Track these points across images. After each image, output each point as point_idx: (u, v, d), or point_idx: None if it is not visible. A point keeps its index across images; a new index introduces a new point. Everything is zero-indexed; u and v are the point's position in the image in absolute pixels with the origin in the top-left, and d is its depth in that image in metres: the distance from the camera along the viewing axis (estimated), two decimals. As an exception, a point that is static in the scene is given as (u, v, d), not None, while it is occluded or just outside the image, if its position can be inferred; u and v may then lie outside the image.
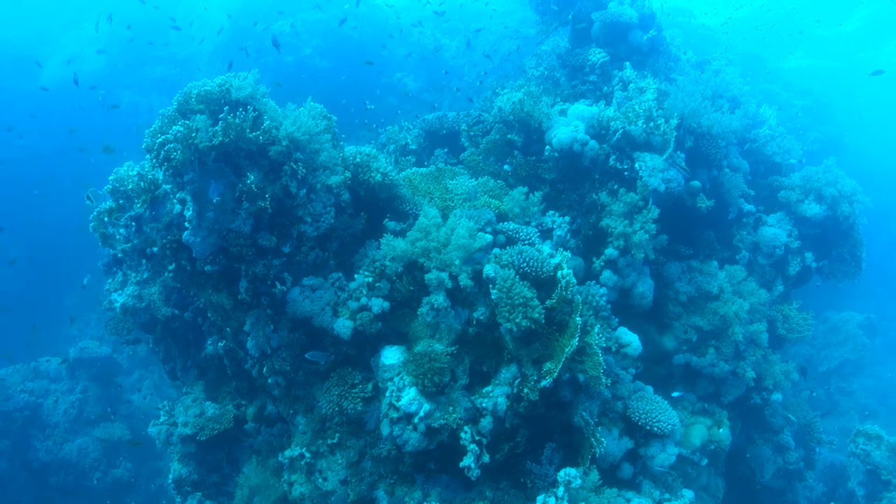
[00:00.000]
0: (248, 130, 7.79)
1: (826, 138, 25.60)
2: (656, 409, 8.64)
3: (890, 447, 13.36)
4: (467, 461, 7.62)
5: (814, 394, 21.20)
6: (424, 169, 10.55)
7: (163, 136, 7.62)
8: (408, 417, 7.80)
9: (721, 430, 10.37)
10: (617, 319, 9.13)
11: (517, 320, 7.46)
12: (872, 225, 25.74)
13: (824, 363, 21.81)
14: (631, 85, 10.86)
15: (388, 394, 7.99)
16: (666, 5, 28.73)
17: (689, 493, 8.97)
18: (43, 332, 22.19)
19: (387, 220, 9.03)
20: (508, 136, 10.73)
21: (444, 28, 25.49)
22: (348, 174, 8.61)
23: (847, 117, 31.00)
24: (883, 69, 25.06)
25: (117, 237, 9.13)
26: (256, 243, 8.16)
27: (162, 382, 19.80)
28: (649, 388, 9.13)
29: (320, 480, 8.76)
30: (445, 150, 12.03)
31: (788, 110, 25.47)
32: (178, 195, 7.95)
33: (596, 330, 7.92)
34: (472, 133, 11.40)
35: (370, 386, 8.41)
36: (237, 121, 7.69)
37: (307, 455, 8.89)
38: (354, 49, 23.03)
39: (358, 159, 8.85)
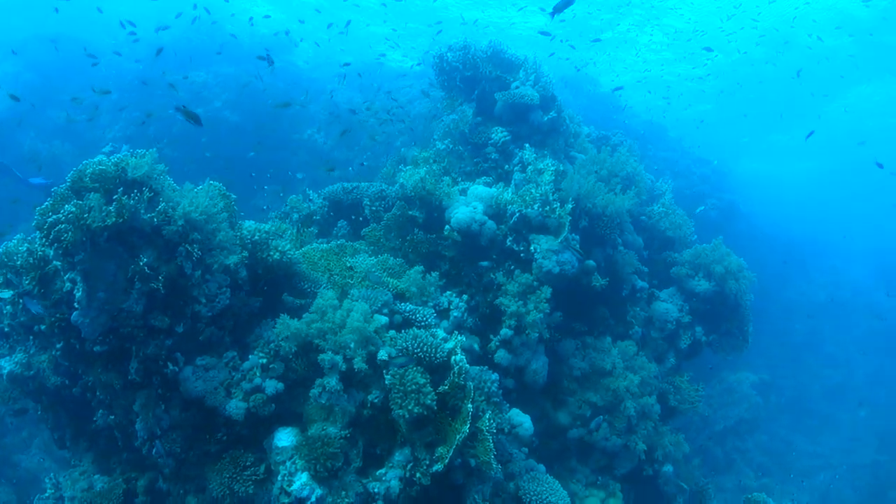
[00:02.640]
0: (142, 211, 7.75)
1: (723, 205, 26.74)
2: (547, 489, 8.80)
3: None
4: (358, 546, 7.61)
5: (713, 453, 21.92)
6: (325, 245, 10.62)
7: (54, 216, 7.50)
8: (299, 502, 7.74)
9: (613, 501, 10.62)
10: (508, 404, 9.30)
11: (409, 407, 7.55)
12: (767, 288, 27.03)
13: (721, 422, 22.50)
14: (530, 167, 11.22)
15: (279, 478, 7.91)
16: (578, 75, 29.94)
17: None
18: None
19: (285, 295, 9.04)
20: (410, 212, 10.91)
21: (356, 85, 25.73)
22: (245, 253, 8.60)
23: (741, 184, 32.54)
24: (814, 130, 26.53)
25: (4, 312, 8.88)
26: (148, 324, 8.03)
27: (52, 442, 18.98)
28: (541, 467, 9.30)
29: (210, 565, 8.57)
30: (349, 220, 12.11)
31: (688, 177, 26.60)
32: (68, 275, 7.81)
33: (487, 416, 8.05)
34: (374, 207, 11.54)
35: (262, 468, 8.29)
36: (132, 202, 7.63)
37: (198, 537, 8.69)
38: (265, 104, 23.00)
39: (256, 237, 8.86)
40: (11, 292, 8.46)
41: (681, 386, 12.34)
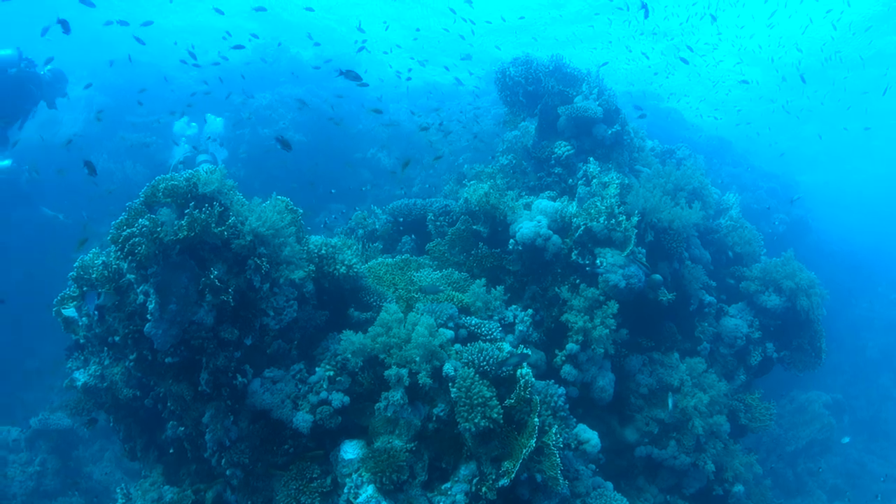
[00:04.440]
0: (213, 225, 7.89)
1: (791, 220, 26.14)
2: (614, 507, 8.66)
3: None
4: (424, 560, 7.58)
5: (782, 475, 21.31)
6: (390, 259, 10.68)
7: (128, 230, 7.69)
8: (365, 515, 7.76)
9: (683, 522, 10.40)
10: (575, 419, 9.17)
11: (476, 420, 7.50)
12: (839, 304, 26.28)
13: (792, 443, 21.86)
14: (594, 180, 11.12)
15: (345, 490, 7.94)
16: (634, 90, 29.74)
17: (648, 592, 8.96)
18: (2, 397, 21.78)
19: (351, 309, 9.12)
20: (474, 227, 10.92)
21: (419, 105, 26.01)
22: (312, 267, 8.71)
23: (812, 199, 31.77)
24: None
25: (80, 324, 9.14)
26: (218, 336, 8.17)
27: (123, 454, 19.40)
28: (609, 485, 9.14)
29: (278, 574, 8.62)
30: (412, 237, 12.18)
31: (755, 192, 26.09)
32: (141, 287, 7.99)
33: (554, 430, 7.96)
34: (438, 223, 11.58)
35: (329, 480, 8.34)
36: (203, 216, 7.79)
37: (265, 547, 8.76)
38: (330, 124, 23.40)
39: (323, 251, 8.96)
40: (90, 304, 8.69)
41: (752, 404, 12.03)
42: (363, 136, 24.34)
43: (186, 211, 7.82)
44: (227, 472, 8.84)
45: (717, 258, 13.16)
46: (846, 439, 22.01)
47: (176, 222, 7.77)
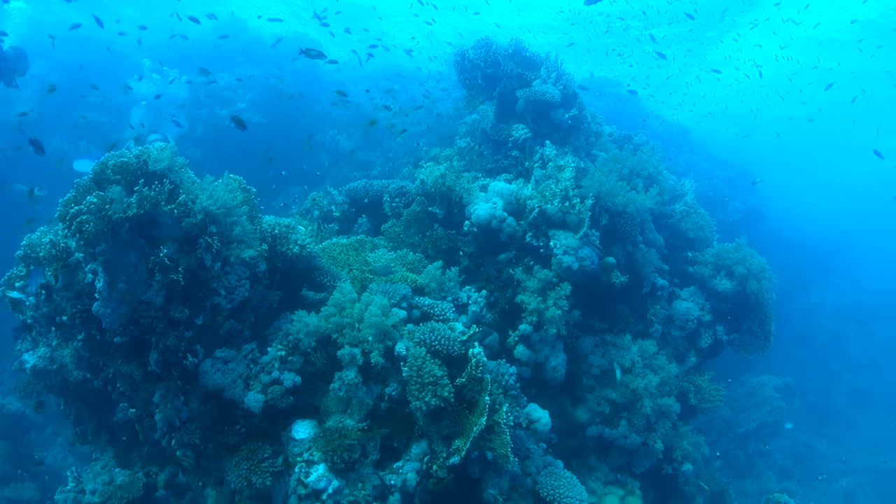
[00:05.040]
0: (163, 203, 7.79)
1: (746, 208, 26.56)
2: (564, 484, 8.75)
3: (798, 515, 13.72)
4: (375, 539, 7.61)
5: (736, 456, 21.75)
6: (345, 239, 10.66)
7: (76, 207, 7.56)
8: (316, 494, 7.75)
9: (632, 499, 10.55)
10: (526, 398, 9.26)
11: (427, 399, 7.54)
12: (792, 291, 26.80)
13: (743, 425, 22.29)
14: (550, 163, 11.19)
15: (297, 469, 7.94)
16: (597, 75, 29.91)
17: (596, 567, 9.11)
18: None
19: (305, 290, 9.08)
20: (430, 208, 10.93)
21: (379, 87, 25.84)
22: (265, 246, 8.65)
23: (767, 188, 32.31)
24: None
25: (27, 303, 8.99)
26: (168, 315, 8.08)
27: (75, 438, 19.13)
28: (559, 463, 9.26)
29: (228, 555, 8.60)
30: (368, 218, 12.15)
31: (711, 180, 26.44)
32: (89, 266, 7.87)
33: (504, 409, 8.03)
34: (394, 204, 11.56)
35: (280, 460, 8.32)
36: (152, 193, 7.69)
37: (216, 528, 8.72)
38: (289, 105, 23.18)
39: (276, 231, 8.90)
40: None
41: (702, 385, 12.23)
42: (322, 118, 24.15)
43: (136, 188, 7.71)
44: (178, 453, 8.78)
45: (671, 243, 13.33)
46: (789, 425, 22.50)
47: (125, 199, 7.65)
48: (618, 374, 10.63)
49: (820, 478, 21.85)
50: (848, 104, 35.83)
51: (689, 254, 13.08)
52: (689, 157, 27.79)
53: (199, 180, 8.50)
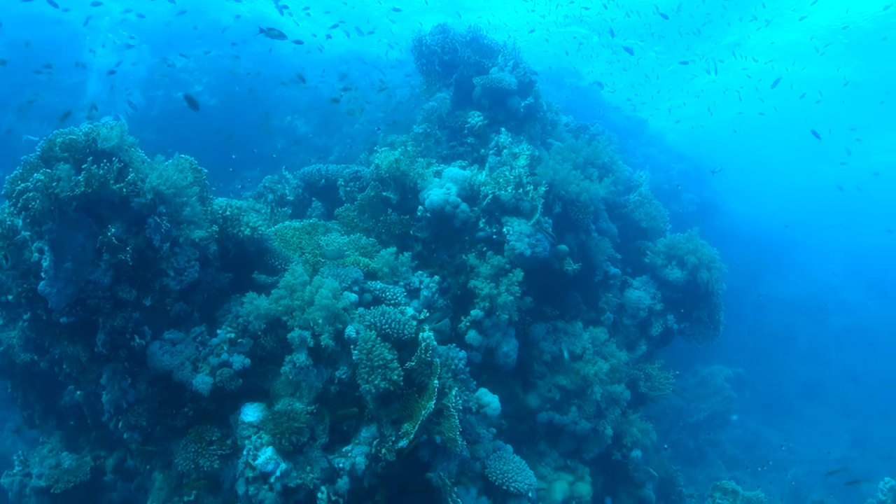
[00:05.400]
0: (111, 182, 7.68)
1: (701, 200, 26.91)
2: (513, 468, 8.83)
3: (745, 501, 13.95)
4: (322, 521, 7.61)
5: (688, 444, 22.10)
6: (298, 223, 10.60)
7: (23, 185, 7.43)
8: (264, 477, 7.72)
9: (581, 485, 10.68)
10: (475, 382, 9.30)
11: (376, 382, 7.56)
12: (744, 284, 27.25)
13: (694, 415, 22.69)
14: (505, 151, 11.24)
15: (245, 452, 7.89)
16: (556, 66, 30.01)
17: (544, 551, 9.21)
18: None
19: (256, 273, 9.01)
20: (384, 193, 10.92)
21: (340, 73, 25.67)
22: (215, 228, 8.58)
23: (722, 183, 32.79)
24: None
25: (-29, 284, 8.80)
26: (116, 296, 7.98)
27: (23, 422, 18.78)
28: (509, 448, 9.33)
29: (177, 538, 8.53)
30: (323, 203, 12.09)
31: (667, 172, 26.75)
32: (36, 244, 7.74)
33: (454, 393, 8.06)
34: (348, 188, 11.53)
35: (229, 443, 8.27)
36: (101, 171, 7.58)
37: (163, 512, 8.64)
38: (247, 89, 22.95)
39: (227, 213, 8.83)
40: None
41: (652, 374, 12.40)
42: (280, 103, 23.95)
43: (84, 166, 7.59)
44: (125, 436, 8.67)
45: (625, 232, 13.49)
46: (734, 417, 22.90)
47: (73, 178, 7.53)
48: (565, 355, 10.74)
49: (769, 464, 22.27)
50: (799, 102, 36.42)
51: (642, 243, 13.23)
52: (646, 149, 28.09)
53: (149, 160, 8.40)
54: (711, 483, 14.66)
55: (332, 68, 25.17)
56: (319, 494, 7.72)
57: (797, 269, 34.26)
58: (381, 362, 7.63)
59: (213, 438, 8.30)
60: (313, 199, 12.24)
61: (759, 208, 39.06)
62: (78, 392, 9.47)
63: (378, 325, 8.00)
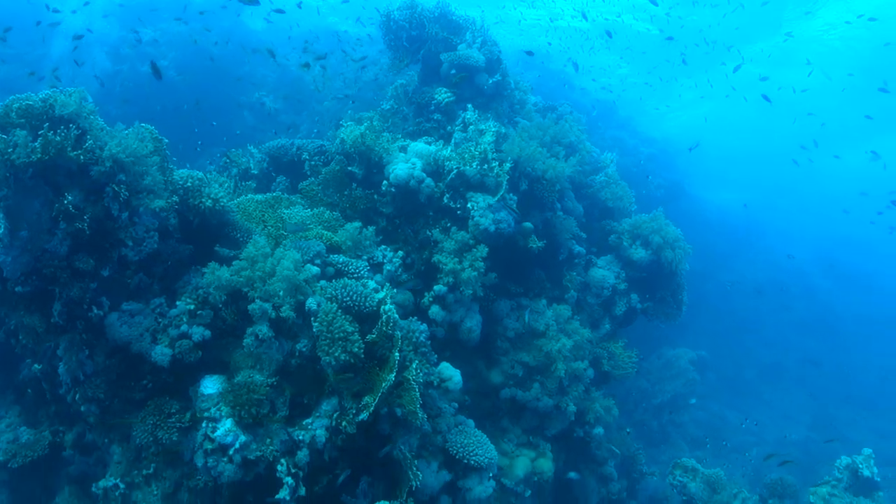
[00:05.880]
0: (69, 149, 7.54)
1: (668, 184, 27.05)
2: (474, 442, 8.88)
3: (705, 479, 14.17)
4: (282, 494, 7.56)
5: (651, 424, 22.34)
6: (261, 196, 10.50)
7: (-24, 150, 7.28)
8: (223, 449, 7.68)
9: (543, 461, 10.75)
10: (436, 356, 9.30)
11: (336, 354, 7.53)
12: (710, 268, 27.49)
13: (658, 396, 22.91)
14: (471, 127, 11.21)
15: (204, 424, 7.84)
16: (526, 47, 29.91)
17: (504, 525, 9.28)
18: None
19: (218, 247, 8.92)
20: (349, 168, 10.85)
21: (311, 50, 25.36)
22: (176, 198, 8.46)
23: (689, 165, 33.03)
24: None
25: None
26: (73, 265, 7.85)
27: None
28: (470, 422, 9.37)
29: (135, 512, 8.47)
30: (287, 178, 11.98)
31: (635, 156, 26.85)
32: (-10, 212, 7.59)
33: (414, 365, 8.06)
34: (313, 162, 11.45)
35: (188, 415, 8.20)
36: (58, 138, 7.43)
37: (122, 486, 8.53)
38: (214, 65, 22.62)
39: (188, 184, 8.70)
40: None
41: (615, 352, 12.51)
42: (248, 80, 23.65)
43: (41, 132, 7.44)
44: (83, 408, 8.57)
45: (591, 212, 13.54)
46: (693, 400, 23.16)
47: (29, 144, 7.38)
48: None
49: (726, 444, 22.59)
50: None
51: (608, 223, 13.29)
52: (615, 132, 28.13)
53: (108, 128, 8.24)
54: (673, 462, 14.89)
55: (301, 44, 24.84)
56: (279, 467, 7.69)
57: (763, 254, 34.61)
58: (341, 335, 7.60)
59: (173, 411, 8.22)
60: (278, 173, 12.12)
61: (727, 194, 39.32)
62: (36, 365, 9.33)
63: (339, 297, 7.96)
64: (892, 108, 36.99)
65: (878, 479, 13.72)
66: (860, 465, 13.55)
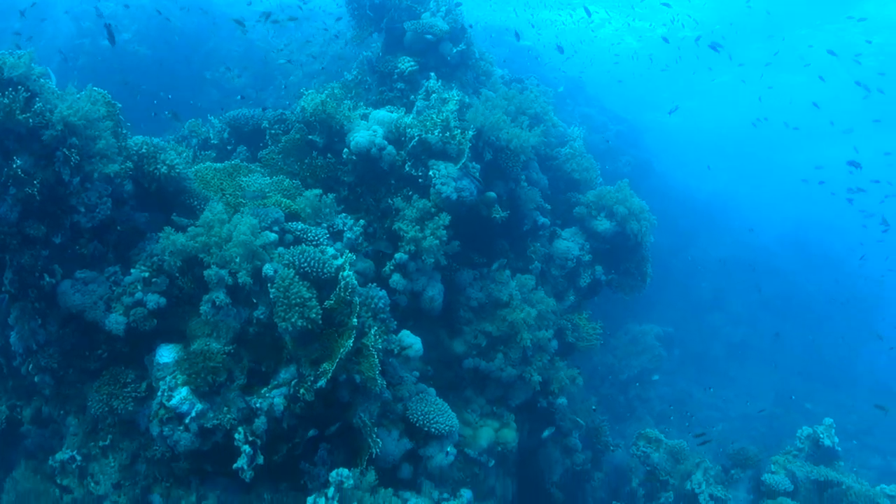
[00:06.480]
0: (17, 112, 7.34)
1: (636, 162, 27.10)
2: (435, 410, 8.84)
3: (668, 449, 14.31)
4: (240, 462, 7.48)
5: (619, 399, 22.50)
6: (219, 164, 10.32)
7: (-81, 113, 7.07)
8: (179, 417, 7.57)
9: (507, 431, 10.76)
10: (396, 322, 9.22)
11: (293, 320, 7.43)
12: (677, 244, 27.64)
13: (625, 372, 23.03)
14: (434, 95, 11.10)
15: (159, 393, 7.72)
16: (494, 23, 29.78)
17: (467, 493, 9.26)
18: None
19: (175, 215, 8.75)
20: (310, 136, 10.70)
21: (275, 28, 25.00)
22: (130, 164, 8.27)
23: (657, 142, 33.14)
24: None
25: None
26: (23, 232, 7.67)
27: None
28: (432, 391, 9.34)
29: (92, 485, 8.34)
30: (248, 148, 11.80)
31: (604, 132, 26.86)
32: (-65, 176, 7.39)
33: (373, 332, 7.99)
34: (273, 131, 11.28)
35: (144, 385, 8.09)
36: (6, 100, 7.24)
37: (78, 458, 8.42)
38: (179, 39, 22.23)
39: (143, 150, 8.51)
40: None
41: (579, 324, 12.51)
42: (213, 54, 23.27)
43: (-13, 95, 7.24)
44: (36, 379, 8.41)
45: (556, 185, 13.50)
46: (656, 377, 23.32)
47: (-25, 107, 7.18)
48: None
49: (692, 416, 22.83)
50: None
51: (573, 195, 13.26)
52: (584, 109, 28.10)
53: (59, 91, 8.05)
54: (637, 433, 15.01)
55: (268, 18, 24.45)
56: (236, 435, 7.61)
57: (731, 233, 34.83)
58: (298, 300, 7.50)
59: (128, 380, 8.11)
60: (239, 143, 11.93)
61: (695, 173, 39.50)
62: (-12, 336, 9.15)
63: (297, 263, 7.85)
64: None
65: (839, 449, 13.94)
66: (821, 435, 13.74)
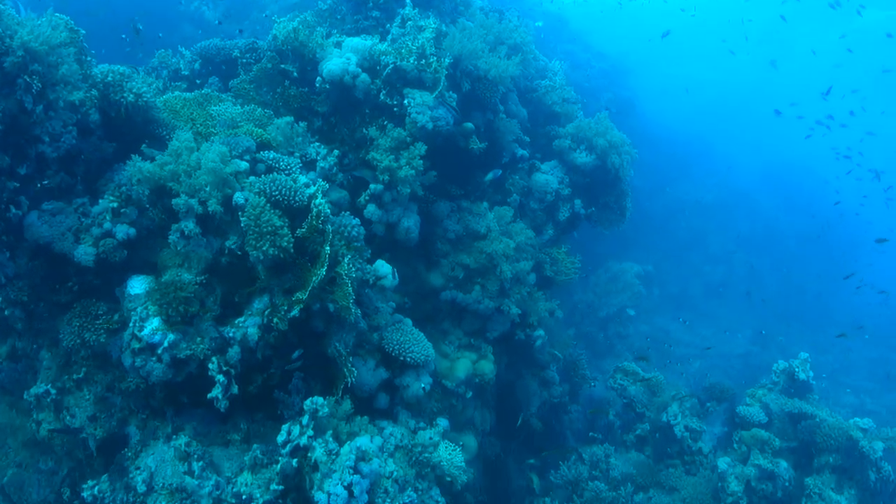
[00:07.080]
0: (-25, 38, 7.08)
1: (619, 100, 26.87)
2: (410, 339, 8.83)
3: (644, 381, 14.47)
4: (215, 392, 7.45)
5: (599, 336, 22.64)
6: (189, 94, 10.06)
7: None
8: (151, 348, 7.49)
9: (485, 363, 10.78)
10: (370, 250, 9.12)
11: (265, 248, 7.32)
12: (657, 187, 27.59)
13: (604, 309, 23.10)
14: (410, 22, 10.83)
15: (131, 324, 7.63)
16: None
17: (443, 422, 9.31)
18: None
19: (145, 146, 8.54)
20: (282, 65, 10.43)
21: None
22: (95, 92, 8.04)
23: (640, 82, 32.83)
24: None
25: None
26: (-13, 163, 7.48)
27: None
28: (408, 321, 9.32)
29: (68, 418, 8.29)
30: (220, 79, 11.52)
31: (587, 70, 26.54)
32: None
33: (346, 260, 7.89)
34: (244, 60, 10.99)
35: (116, 317, 7.99)
36: (-39, 26, 6.97)
37: (53, 392, 8.35)
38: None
39: (109, 78, 8.26)
40: None
41: (558, 258, 12.47)
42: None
43: (-58, 20, 6.96)
44: (7, 313, 8.28)
45: (535, 118, 13.33)
46: (631, 312, 23.39)
47: (-68, 34, 6.91)
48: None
49: (670, 348, 23.07)
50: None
51: (552, 128, 13.10)
52: (567, 46, 27.74)
53: (18, 16, 7.75)
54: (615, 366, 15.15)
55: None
56: (210, 365, 7.55)
57: (708, 174, 34.82)
58: (269, 228, 7.37)
59: (100, 312, 8.01)
60: (210, 75, 11.63)
61: (676, 113, 39.23)
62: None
63: (268, 191, 7.70)
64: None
65: (814, 384, 14.13)
66: (796, 369, 13.90)
